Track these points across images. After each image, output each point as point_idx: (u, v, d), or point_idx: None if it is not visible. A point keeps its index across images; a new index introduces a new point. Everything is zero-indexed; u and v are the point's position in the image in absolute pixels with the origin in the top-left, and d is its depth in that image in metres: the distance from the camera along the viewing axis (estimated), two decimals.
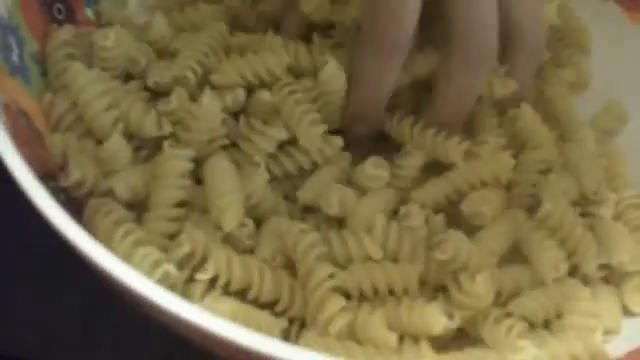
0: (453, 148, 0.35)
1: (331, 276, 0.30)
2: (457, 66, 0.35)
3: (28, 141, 0.30)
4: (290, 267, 0.32)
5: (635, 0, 0.42)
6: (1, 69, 0.31)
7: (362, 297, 0.32)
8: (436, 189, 0.35)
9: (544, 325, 0.33)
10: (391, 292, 0.32)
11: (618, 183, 0.38)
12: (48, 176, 0.30)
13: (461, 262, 0.32)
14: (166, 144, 0.33)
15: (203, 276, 0.29)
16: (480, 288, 0.31)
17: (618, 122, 0.42)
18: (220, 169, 0.33)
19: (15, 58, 0.32)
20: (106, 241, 0.29)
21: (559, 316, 0.33)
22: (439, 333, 0.30)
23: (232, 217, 0.31)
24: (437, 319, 0.30)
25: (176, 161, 0.32)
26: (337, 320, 0.29)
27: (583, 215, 0.36)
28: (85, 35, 0.36)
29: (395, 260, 0.32)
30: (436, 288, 0.33)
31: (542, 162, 0.37)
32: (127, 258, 0.28)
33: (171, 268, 0.29)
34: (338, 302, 0.30)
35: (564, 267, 0.33)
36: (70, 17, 0.37)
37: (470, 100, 0.36)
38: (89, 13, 0.38)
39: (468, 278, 0.31)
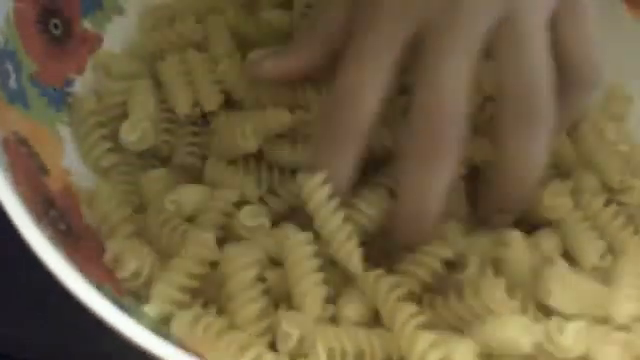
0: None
1: (413, 315, 0.30)
2: (509, 132, 0.31)
3: (29, 173, 0.31)
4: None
5: None
6: None
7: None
8: None
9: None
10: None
11: None
12: (49, 203, 0.31)
13: None
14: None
15: None
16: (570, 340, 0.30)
17: (625, 104, 0.42)
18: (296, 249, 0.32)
19: (13, 84, 0.33)
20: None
21: None
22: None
23: (314, 302, 0.31)
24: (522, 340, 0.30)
25: (243, 272, 0.31)
26: (430, 354, 0.29)
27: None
28: (110, 109, 0.37)
29: None
30: None
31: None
32: None
33: None
34: (427, 337, 0.29)
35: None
36: (67, 31, 0.37)
37: (533, 172, 0.32)
38: (86, 24, 0.38)
39: (557, 329, 0.30)
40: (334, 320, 0.32)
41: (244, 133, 0.35)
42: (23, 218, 0.27)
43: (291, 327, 0.30)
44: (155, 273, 0.32)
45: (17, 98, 0.33)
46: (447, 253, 0.32)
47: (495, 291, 0.30)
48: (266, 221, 0.34)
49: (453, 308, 0.31)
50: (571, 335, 0.29)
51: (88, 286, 0.26)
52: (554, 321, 0.30)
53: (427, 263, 0.32)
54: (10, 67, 0.33)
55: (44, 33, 0.36)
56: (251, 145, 0.35)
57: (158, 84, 0.38)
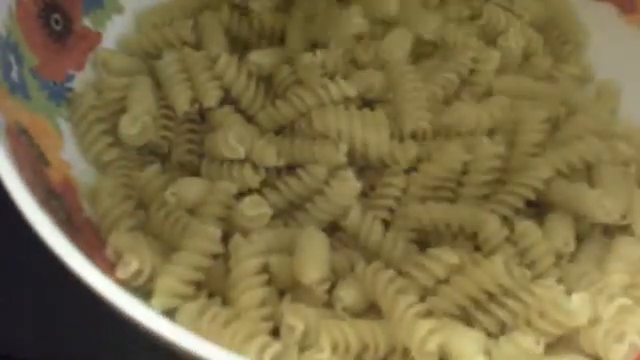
0: None
1: (412, 305, 0.30)
2: None
3: (29, 162, 0.31)
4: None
5: (631, 2, 0.42)
6: (1, 89, 0.31)
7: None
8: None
9: None
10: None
11: None
12: (50, 194, 0.31)
13: None
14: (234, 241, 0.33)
15: (322, 356, 0.29)
16: (577, 306, 0.30)
17: (614, 97, 0.41)
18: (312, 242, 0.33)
19: (14, 75, 0.33)
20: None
21: None
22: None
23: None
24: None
25: (251, 259, 0.31)
26: (430, 341, 0.29)
27: None
28: (110, 105, 0.37)
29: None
30: None
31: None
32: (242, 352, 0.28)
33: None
34: (426, 324, 0.30)
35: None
36: (68, 27, 0.37)
37: None
38: (87, 22, 0.38)
39: (564, 297, 0.31)
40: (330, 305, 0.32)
41: (230, 144, 0.35)
42: (27, 199, 0.26)
43: (295, 320, 0.30)
44: (157, 269, 0.31)
45: (18, 90, 0.33)
46: (454, 259, 0.32)
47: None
48: (268, 210, 0.33)
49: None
50: (577, 302, 0.30)
51: (93, 268, 0.25)
52: (559, 291, 0.30)
53: (431, 269, 0.32)
54: (12, 59, 0.33)
55: (45, 28, 0.36)
56: (238, 153, 0.35)
57: (156, 82, 0.38)
